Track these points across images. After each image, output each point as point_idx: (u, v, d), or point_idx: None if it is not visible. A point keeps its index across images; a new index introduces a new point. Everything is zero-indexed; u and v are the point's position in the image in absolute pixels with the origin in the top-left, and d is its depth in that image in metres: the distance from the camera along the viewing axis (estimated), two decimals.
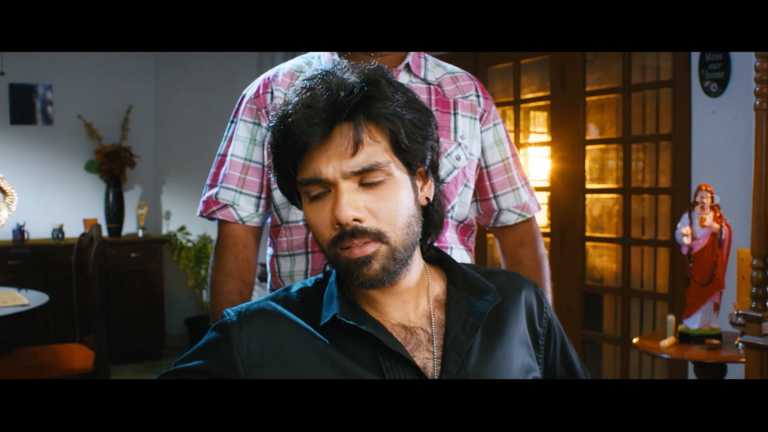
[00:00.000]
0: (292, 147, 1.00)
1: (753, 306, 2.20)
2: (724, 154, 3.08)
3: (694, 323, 2.72)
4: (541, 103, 4.16)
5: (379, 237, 0.99)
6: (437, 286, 1.12)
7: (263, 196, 1.51)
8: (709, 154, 3.16)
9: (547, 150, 4.01)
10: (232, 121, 1.54)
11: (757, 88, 2.17)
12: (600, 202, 4.17)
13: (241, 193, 1.50)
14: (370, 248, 0.99)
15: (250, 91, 1.54)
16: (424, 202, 1.07)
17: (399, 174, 1.01)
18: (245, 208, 1.51)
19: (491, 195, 1.59)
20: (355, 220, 0.98)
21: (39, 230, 5.49)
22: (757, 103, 2.17)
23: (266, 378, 1.02)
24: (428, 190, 1.08)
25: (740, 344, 2.32)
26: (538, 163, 4.34)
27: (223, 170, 1.52)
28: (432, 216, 1.10)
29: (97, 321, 3.73)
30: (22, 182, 5.29)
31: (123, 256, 5.44)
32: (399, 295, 1.07)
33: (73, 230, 5.49)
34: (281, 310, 1.06)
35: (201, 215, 1.54)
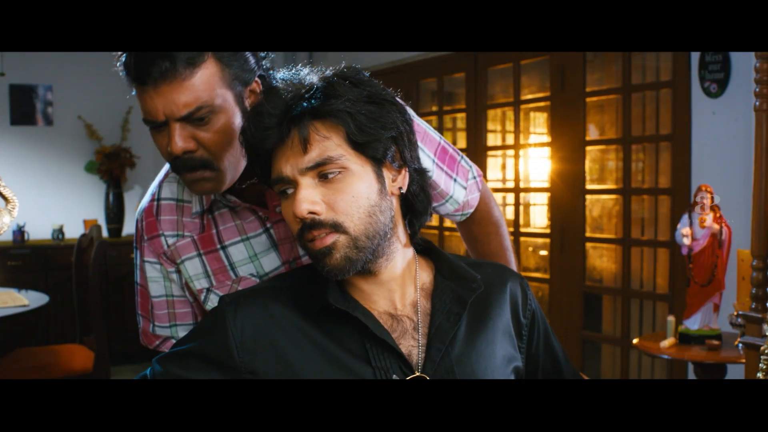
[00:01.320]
0: (255, 153, 1.08)
1: (753, 307, 2.20)
2: (724, 155, 3.08)
3: (694, 324, 2.72)
4: (541, 103, 4.16)
5: (335, 227, 1.04)
6: (425, 276, 1.16)
7: (200, 317, 1.43)
8: (709, 155, 3.16)
9: (547, 151, 4.01)
10: (136, 247, 1.44)
11: (757, 89, 2.17)
12: (600, 203, 4.17)
13: (176, 325, 1.43)
14: (330, 239, 1.04)
15: (141, 221, 1.42)
16: (396, 192, 1.10)
17: (356, 166, 1.04)
18: None
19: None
20: (312, 213, 1.03)
21: (39, 231, 5.49)
22: (757, 103, 2.17)
23: (258, 361, 1.06)
24: (402, 180, 1.10)
25: (740, 345, 2.32)
26: (538, 163, 4.34)
27: (149, 306, 1.44)
28: (414, 205, 1.13)
29: (97, 321, 3.73)
30: (23, 183, 5.30)
31: (123, 256, 5.44)
32: (384, 284, 1.11)
33: (73, 231, 5.50)
34: (275, 297, 1.11)
35: (147, 347, 1.46)
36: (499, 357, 1.13)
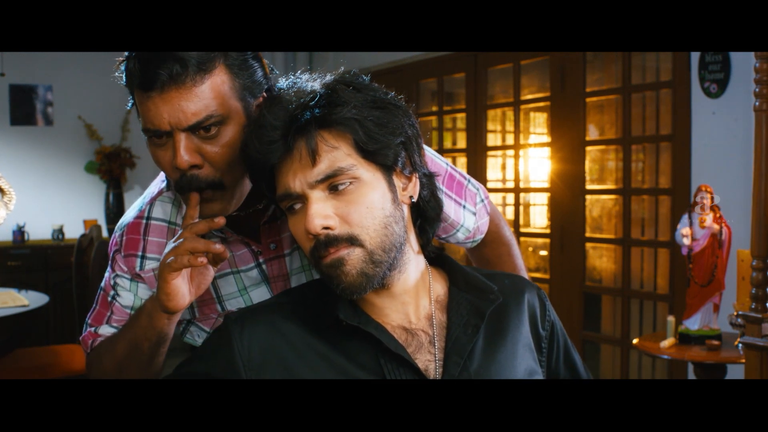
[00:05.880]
0: (259, 168, 1.02)
1: (753, 307, 2.20)
2: (724, 155, 3.08)
3: (694, 324, 2.72)
4: (541, 104, 4.16)
5: (351, 241, 0.99)
6: (439, 288, 1.12)
7: None
8: (709, 155, 3.16)
9: (547, 151, 4.01)
10: (113, 258, 1.31)
11: (757, 89, 2.17)
12: (600, 203, 4.17)
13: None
14: (343, 251, 0.99)
15: (122, 235, 1.30)
16: (407, 201, 1.06)
17: (368, 176, 1.00)
18: None
19: (439, 238, 1.46)
20: (326, 228, 0.98)
21: (39, 231, 5.49)
22: (757, 103, 2.17)
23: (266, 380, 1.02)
24: (413, 189, 1.06)
25: (740, 345, 2.32)
26: (538, 163, 4.34)
27: (107, 314, 1.32)
28: (426, 211, 1.09)
29: None
30: (23, 183, 5.29)
31: None
32: (397, 297, 1.06)
33: (73, 231, 5.50)
34: (282, 313, 1.07)
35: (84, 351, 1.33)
36: (521, 371, 1.08)
